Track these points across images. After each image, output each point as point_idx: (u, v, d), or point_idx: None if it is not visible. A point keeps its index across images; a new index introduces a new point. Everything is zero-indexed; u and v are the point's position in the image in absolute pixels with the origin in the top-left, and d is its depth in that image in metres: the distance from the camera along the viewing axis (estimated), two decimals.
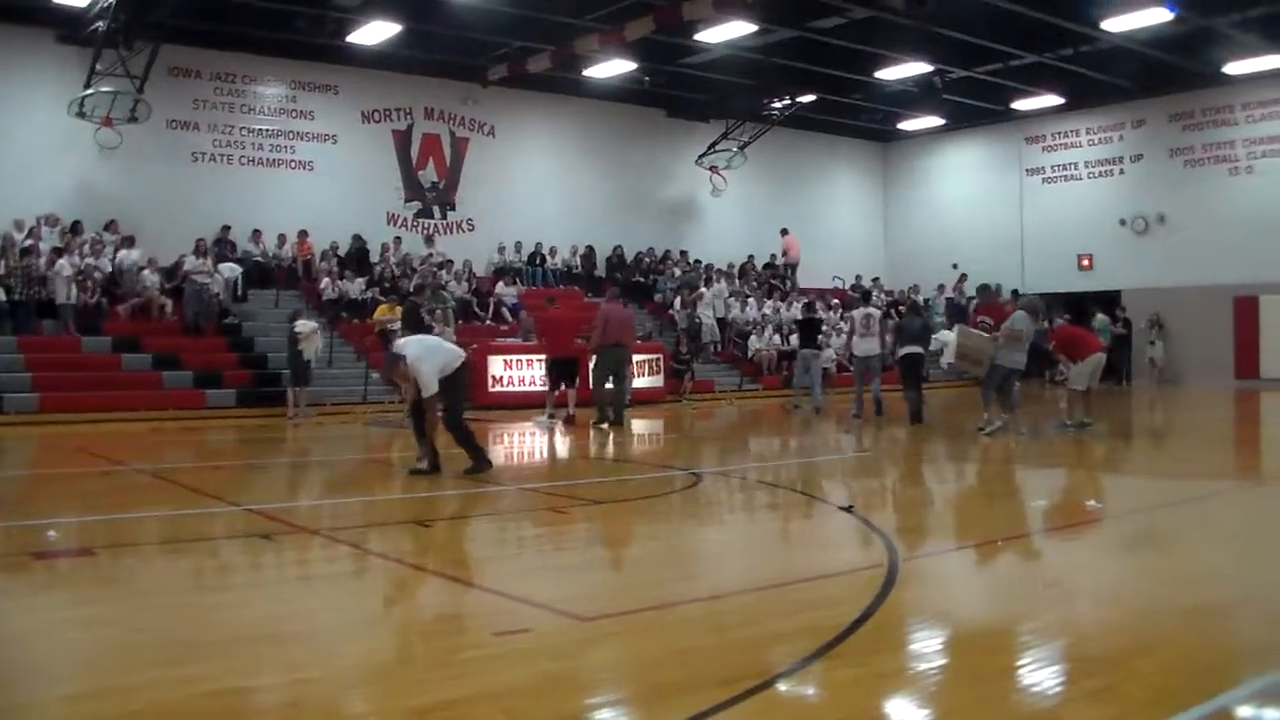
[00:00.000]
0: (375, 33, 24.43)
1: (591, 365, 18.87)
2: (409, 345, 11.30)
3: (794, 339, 25.26)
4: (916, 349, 18.30)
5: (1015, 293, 17.63)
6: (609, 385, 18.62)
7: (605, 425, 17.96)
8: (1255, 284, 29.05)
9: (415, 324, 19.56)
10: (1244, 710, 4.24)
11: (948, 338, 16.67)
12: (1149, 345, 31.23)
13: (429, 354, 11.05)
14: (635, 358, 22.62)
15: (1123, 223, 32.44)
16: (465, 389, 12.17)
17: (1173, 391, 28.75)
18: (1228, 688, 4.39)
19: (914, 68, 28.13)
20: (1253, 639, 5.28)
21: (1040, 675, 4.75)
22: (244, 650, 5.06)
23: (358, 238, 26.76)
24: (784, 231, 34.13)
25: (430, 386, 10.78)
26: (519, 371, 23.28)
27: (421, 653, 5.19)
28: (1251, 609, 5.83)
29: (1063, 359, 16.64)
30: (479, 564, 7.43)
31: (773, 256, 34.42)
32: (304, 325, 20.20)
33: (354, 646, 5.27)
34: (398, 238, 27.46)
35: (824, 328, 26.38)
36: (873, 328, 19.72)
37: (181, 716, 4.18)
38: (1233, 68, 27.60)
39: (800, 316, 24.44)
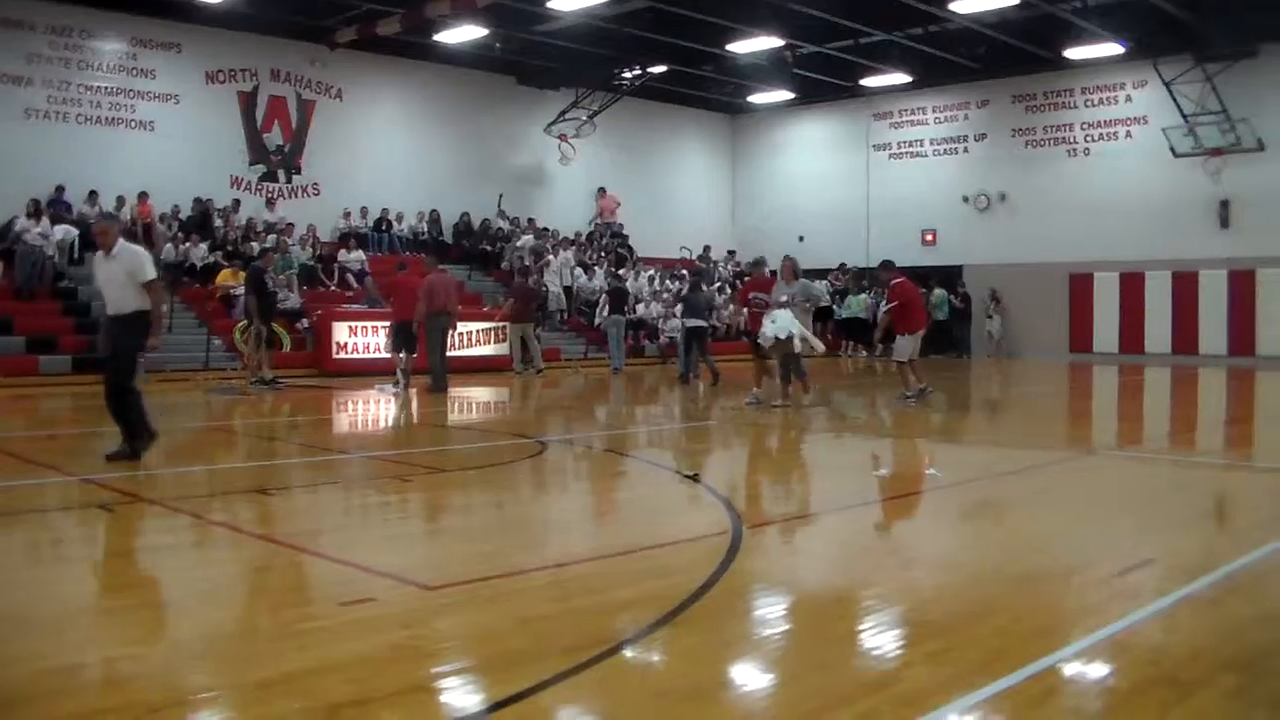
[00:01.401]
0: None
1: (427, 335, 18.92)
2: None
3: (605, 310, 25.78)
4: (700, 322, 20.39)
5: (758, 261, 17.87)
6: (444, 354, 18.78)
7: (443, 392, 18.22)
8: (1090, 262, 30.17)
9: (259, 289, 19.21)
10: (1071, 669, 4.40)
11: (791, 326, 15.90)
12: (987, 319, 32.12)
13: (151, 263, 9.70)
14: (480, 325, 23.21)
15: (966, 200, 33.26)
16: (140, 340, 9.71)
17: (1009, 364, 29.60)
18: (1058, 648, 4.55)
19: (765, 42, 28.38)
20: (1081, 601, 5.48)
21: (881, 639, 4.88)
22: (80, 625, 4.94)
23: (200, 200, 26.02)
24: (601, 191, 34.22)
25: (134, 291, 9.41)
26: (363, 338, 23.04)
27: (264, 624, 5.08)
28: (1081, 573, 6.06)
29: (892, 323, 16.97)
30: (323, 533, 7.31)
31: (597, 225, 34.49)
32: None
33: (195, 619, 5.16)
34: (236, 200, 26.80)
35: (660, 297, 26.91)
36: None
37: (14, 696, 4.02)
38: (1073, 53, 28.51)
39: (609, 286, 26.35)
